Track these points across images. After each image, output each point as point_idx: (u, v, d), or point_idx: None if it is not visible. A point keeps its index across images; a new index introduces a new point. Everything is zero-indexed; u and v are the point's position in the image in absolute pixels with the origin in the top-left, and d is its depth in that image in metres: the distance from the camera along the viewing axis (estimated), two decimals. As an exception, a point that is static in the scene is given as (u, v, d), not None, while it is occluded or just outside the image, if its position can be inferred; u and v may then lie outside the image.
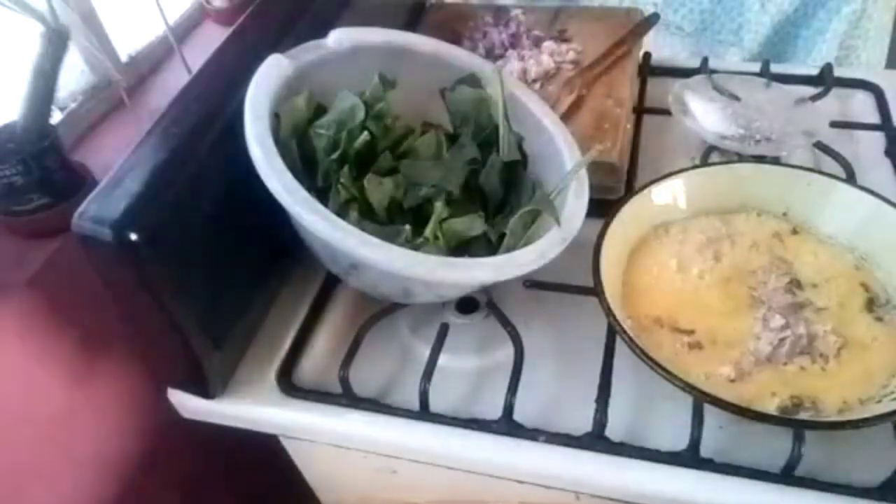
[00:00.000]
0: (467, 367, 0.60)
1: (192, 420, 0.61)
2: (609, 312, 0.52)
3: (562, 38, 0.80)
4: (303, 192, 0.48)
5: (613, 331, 0.54)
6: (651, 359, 0.49)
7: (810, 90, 0.76)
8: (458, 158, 0.59)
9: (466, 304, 0.63)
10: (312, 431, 0.59)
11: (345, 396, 0.57)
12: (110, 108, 0.76)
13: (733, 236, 0.62)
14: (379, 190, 0.55)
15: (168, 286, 0.50)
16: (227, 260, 0.55)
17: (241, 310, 0.60)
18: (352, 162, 0.55)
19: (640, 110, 0.77)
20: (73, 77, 0.74)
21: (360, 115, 0.56)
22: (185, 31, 0.88)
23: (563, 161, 0.59)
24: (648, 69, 0.83)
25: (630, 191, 0.64)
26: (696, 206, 0.63)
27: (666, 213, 0.63)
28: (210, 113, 0.54)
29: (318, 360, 0.62)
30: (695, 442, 0.50)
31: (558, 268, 0.55)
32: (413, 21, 0.85)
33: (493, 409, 0.55)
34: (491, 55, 0.79)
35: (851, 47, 1.01)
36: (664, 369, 0.49)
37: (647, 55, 0.84)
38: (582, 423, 0.53)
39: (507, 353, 0.57)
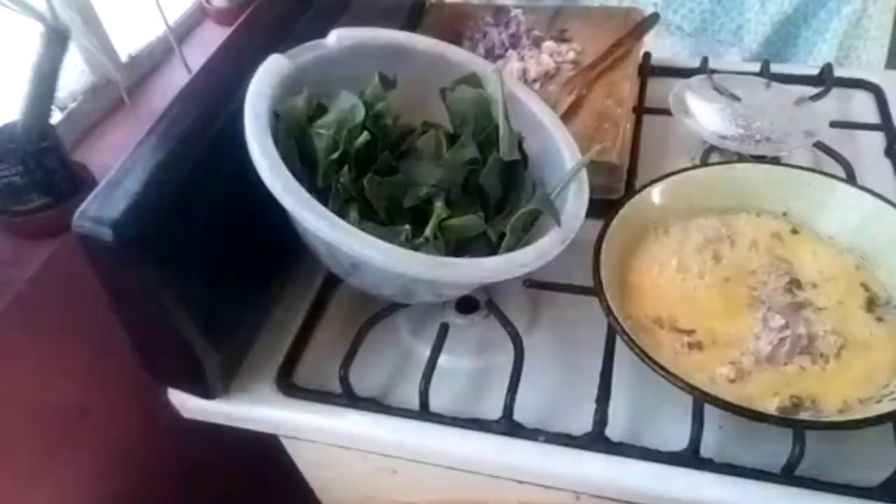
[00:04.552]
0: (467, 367, 0.60)
1: (192, 420, 0.61)
2: (609, 312, 0.52)
3: (562, 38, 0.80)
4: (303, 193, 0.48)
5: (613, 331, 0.54)
6: (651, 359, 0.49)
7: (810, 90, 0.76)
8: (458, 158, 0.59)
9: (466, 304, 0.63)
10: (312, 431, 0.59)
11: (345, 396, 0.57)
12: (110, 108, 0.76)
13: (733, 236, 0.62)
14: (379, 190, 0.55)
15: (168, 286, 0.50)
16: (227, 260, 0.55)
17: (242, 310, 0.60)
18: (352, 162, 0.55)
19: (640, 110, 0.77)
20: (73, 77, 0.74)
21: (360, 115, 0.55)
22: (185, 31, 0.88)
23: (563, 161, 0.59)
24: (648, 69, 0.83)
25: (630, 191, 0.64)
26: (696, 206, 0.63)
27: (666, 213, 0.63)
28: (210, 113, 0.54)
29: (318, 360, 0.61)
30: (695, 442, 0.50)
31: (558, 268, 0.55)
32: (413, 21, 0.85)
33: (493, 409, 0.55)
34: (491, 55, 0.79)
35: (851, 47, 1.01)
36: (664, 369, 0.49)
37: (647, 55, 0.84)
38: (582, 423, 0.53)
39: (507, 353, 0.57)
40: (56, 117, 0.70)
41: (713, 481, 0.50)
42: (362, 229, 0.49)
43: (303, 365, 0.61)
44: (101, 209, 0.46)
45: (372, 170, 0.56)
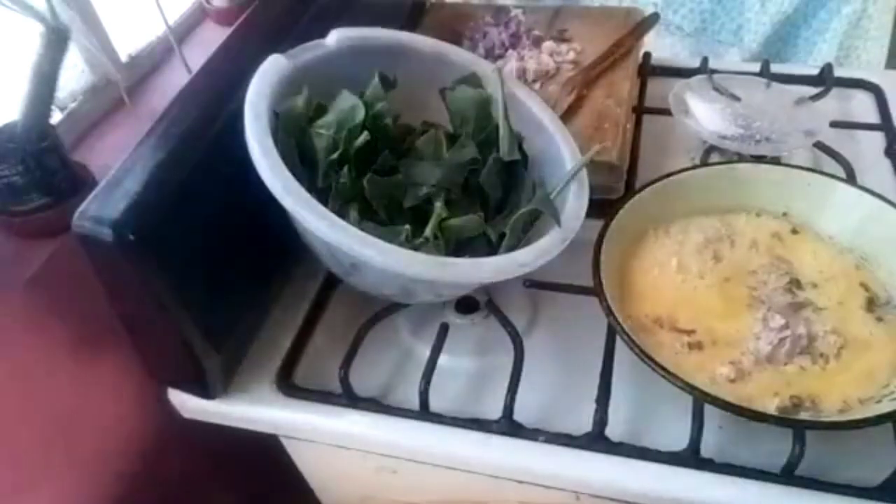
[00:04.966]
0: (467, 367, 0.60)
1: (192, 420, 0.61)
2: (609, 312, 0.52)
3: (562, 38, 0.80)
4: (303, 193, 0.48)
5: (613, 331, 0.54)
6: (651, 359, 0.49)
7: (810, 90, 0.76)
8: (458, 158, 0.59)
9: (466, 304, 0.63)
10: (312, 431, 0.59)
11: (345, 396, 0.57)
12: (110, 108, 0.76)
13: (733, 236, 0.62)
14: (379, 190, 0.55)
15: (168, 286, 0.50)
16: (227, 260, 0.55)
17: (242, 310, 0.60)
18: (352, 162, 0.55)
19: (640, 110, 0.77)
20: (73, 77, 0.74)
21: (360, 115, 0.55)
22: (185, 31, 0.88)
23: (563, 161, 0.59)
24: (648, 69, 0.83)
25: (630, 191, 0.64)
26: (696, 206, 0.63)
27: (665, 213, 0.63)
28: (210, 113, 0.54)
29: (318, 360, 0.61)
30: (695, 442, 0.50)
31: (558, 268, 0.55)
32: (413, 21, 0.85)
33: (493, 409, 0.55)
34: (491, 55, 0.79)
35: (851, 47, 1.01)
36: (664, 369, 0.49)
37: (647, 55, 0.84)
38: (582, 423, 0.53)
39: (507, 353, 0.57)
40: (56, 117, 0.70)
41: (713, 481, 0.50)
42: (362, 229, 0.49)
43: (303, 365, 0.61)
44: (101, 209, 0.46)
45: (372, 170, 0.56)
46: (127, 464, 0.70)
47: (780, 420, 0.49)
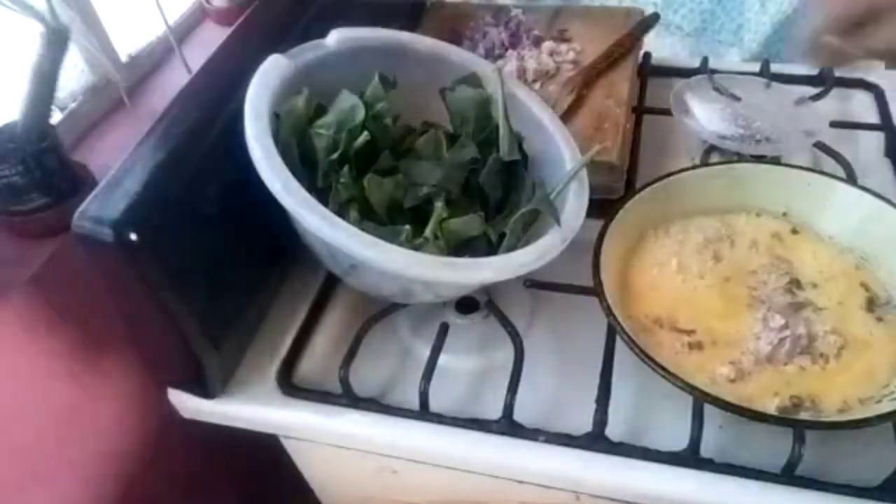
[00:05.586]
0: (467, 367, 0.60)
1: (192, 420, 0.61)
2: (609, 312, 0.52)
3: (562, 38, 0.80)
4: (303, 193, 0.48)
5: (613, 331, 0.54)
6: (651, 359, 0.49)
7: (810, 90, 0.76)
8: (458, 158, 0.59)
9: (466, 304, 0.63)
10: (312, 431, 0.59)
11: (345, 396, 0.57)
12: (110, 108, 0.76)
13: (733, 236, 0.62)
14: (379, 190, 0.55)
15: (168, 286, 0.50)
16: (226, 260, 0.55)
17: (241, 310, 0.60)
18: (352, 162, 0.55)
19: (640, 110, 0.77)
20: (73, 77, 0.74)
21: (360, 115, 0.56)
22: (185, 31, 0.88)
23: (563, 161, 0.59)
24: (648, 69, 0.83)
25: (630, 191, 0.64)
26: (696, 206, 0.63)
27: (665, 213, 0.63)
28: (210, 113, 0.54)
29: (318, 360, 0.62)
30: (695, 442, 0.50)
31: (558, 268, 0.55)
32: (413, 21, 0.85)
33: (493, 409, 0.55)
34: (491, 55, 0.79)
35: (852, 47, 1.01)
36: (664, 369, 0.49)
37: (647, 55, 0.84)
38: (582, 423, 0.53)
39: (507, 353, 0.57)
40: (56, 117, 0.70)
41: (713, 481, 0.50)
42: (362, 229, 0.49)
43: (303, 365, 0.61)
44: (101, 209, 0.46)
45: (372, 170, 0.56)
46: (127, 464, 0.70)
47: (780, 420, 0.49)
